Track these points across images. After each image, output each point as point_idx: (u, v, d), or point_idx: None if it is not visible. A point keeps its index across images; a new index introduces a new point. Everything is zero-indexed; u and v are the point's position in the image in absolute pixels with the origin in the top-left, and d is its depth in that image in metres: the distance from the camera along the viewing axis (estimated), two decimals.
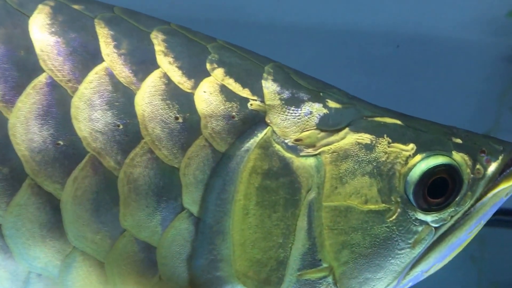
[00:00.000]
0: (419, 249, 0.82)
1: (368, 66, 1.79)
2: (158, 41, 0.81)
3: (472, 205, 0.83)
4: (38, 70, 0.77)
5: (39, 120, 0.76)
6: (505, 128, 1.85)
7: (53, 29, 0.78)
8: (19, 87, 0.76)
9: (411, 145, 0.81)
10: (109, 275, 0.79)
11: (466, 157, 0.82)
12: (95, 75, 0.78)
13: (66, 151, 0.77)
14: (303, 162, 0.80)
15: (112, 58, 0.78)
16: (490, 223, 1.86)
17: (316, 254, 0.81)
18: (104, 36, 0.79)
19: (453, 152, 0.82)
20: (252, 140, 0.79)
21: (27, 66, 0.77)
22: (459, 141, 0.83)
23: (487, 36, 1.80)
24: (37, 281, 0.79)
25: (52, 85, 0.77)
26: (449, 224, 0.82)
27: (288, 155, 0.80)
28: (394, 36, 1.78)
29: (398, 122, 0.83)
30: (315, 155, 0.80)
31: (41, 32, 0.78)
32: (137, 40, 0.80)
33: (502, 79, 1.83)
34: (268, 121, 0.80)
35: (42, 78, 0.77)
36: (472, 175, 0.82)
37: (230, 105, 0.79)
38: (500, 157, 0.83)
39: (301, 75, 0.85)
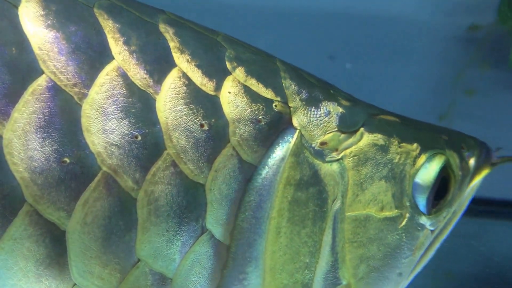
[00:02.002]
0: (418, 255, 0.80)
1: (319, 48, 1.78)
2: (170, 35, 0.72)
3: (458, 203, 0.82)
4: (36, 72, 0.66)
5: (40, 133, 0.65)
6: (460, 112, 1.81)
7: (49, 22, 0.67)
8: (13, 93, 0.65)
9: (415, 145, 0.78)
10: None
11: (455, 155, 0.80)
12: (107, 76, 0.68)
13: (74, 170, 0.66)
14: (329, 169, 0.75)
15: (124, 56, 0.69)
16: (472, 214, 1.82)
17: (338, 272, 0.76)
18: (111, 31, 0.69)
19: (446, 150, 0.80)
20: (285, 147, 0.73)
21: (21, 67, 0.65)
22: (446, 137, 0.81)
23: (441, 15, 1.78)
24: None
25: (55, 89, 0.66)
26: (441, 226, 0.81)
27: (316, 161, 0.75)
28: (345, 17, 1.78)
29: (398, 120, 0.80)
30: (339, 159, 0.76)
31: (36, 25, 0.67)
32: (146, 34, 0.71)
33: (457, 60, 1.80)
34: (296, 124, 0.74)
35: (42, 82, 0.65)
36: (460, 173, 0.80)
37: (256, 108, 0.73)
38: (476, 152, 0.82)
39: (300, 69, 0.82)
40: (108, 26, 0.69)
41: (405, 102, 1.77)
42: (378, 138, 0.77)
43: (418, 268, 0.82)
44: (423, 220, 0.78)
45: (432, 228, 0.79)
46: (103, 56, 0.68)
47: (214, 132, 0.70)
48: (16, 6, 0.67)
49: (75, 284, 0.68)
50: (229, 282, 0.72)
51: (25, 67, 0.65)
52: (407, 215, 0.77)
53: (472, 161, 0.81)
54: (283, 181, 0.72)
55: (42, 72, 0.66)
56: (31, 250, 0.66)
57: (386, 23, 1.77)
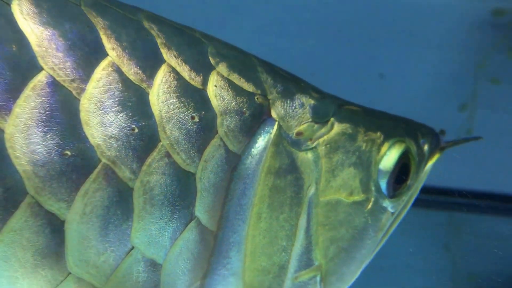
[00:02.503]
0: (380, 236, 0.85)
1: (337, 33, 1.73)
2: (155, 32, 0.75)
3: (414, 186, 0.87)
4: (36, 68, 0.68)
5: (41, 127, 0.67)
6: (483, 101, 1.75)
7: (43, 19, 0.69)
8: (14, 89, 0.67)
9: (379, 133, 0.83)
10: None
11: (412, 142, 0.86)
12: (103, 72, 0.70)
13: (74, 162, 0.68)
14: (305, 157, 0.80)
15: (117, 52, 0.72)
16: (465, 209, 1.76)
17: (311, 253, 0.81)
18: (102, 28, 0.72)
19: (406, 138, 0.85)
20: (267, 138, 0.78)
21: (21, 64, 0.67)
22: (404, 126, 0.86)
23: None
24: None
25: (54, 85, 0.68)
26: (400, 207, 0.86)
27: (293, 150, 0.79)
28: (365, 1, 1.72)
29: (361, 110, 0.85)
30: (313, 148, 0.80)
31: (32, 22, 0.69)
32: (134, 31, 0.74)
33: (480, 47, 1.73)
34: (275, 116, 0.79)
35: (42, 78, 0.68)
36: (417, 159, 0.86)
37: (240, 101, 0.77)
38: (429, 139, 0.88)
39: (272, 64, 0.85)
40: (99, 23, 0.72)
41: (425, 91, 1.72)
42: (347, 127, 0.82)
43: (378, 248, 0.87)
44: (386, 203, 0.83)
45: (393, 211, 0.84)
46: (98, 52, 0.71)
47: (204, 124, 0.74)
48: (8, 4, 0.69)
49: (70, 273, 0.70)
50: (215, 268, 0.76)
51: (25, 64, 0.67)
52: (373, 199, 0.82)
53: (426, 147, 0.87)
54: (265, 169, 0.76)
55: (42, 69, 0.68)
56: (30, 241, 0.67)
57: (407, 8, 1.71)
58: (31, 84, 0.67)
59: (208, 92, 0.75)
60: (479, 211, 1.77)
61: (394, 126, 0.85)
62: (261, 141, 0.77)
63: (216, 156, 0.75)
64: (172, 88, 0.73)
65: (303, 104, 0.80)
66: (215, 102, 0.75)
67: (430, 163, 0.89)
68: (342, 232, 0.81)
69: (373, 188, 0.82)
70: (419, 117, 1.54)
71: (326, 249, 0.81)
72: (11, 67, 0.66)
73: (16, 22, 0.68)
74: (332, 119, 0.82)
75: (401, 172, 0.85)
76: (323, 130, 0.81)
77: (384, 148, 0.83)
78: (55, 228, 0.68)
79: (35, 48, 0.68)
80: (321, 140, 0.80)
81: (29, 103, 0.67)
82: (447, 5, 1.71)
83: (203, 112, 0.74)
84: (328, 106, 0.82)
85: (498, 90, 1.73)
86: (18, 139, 0.66)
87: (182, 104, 0.73)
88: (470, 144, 1.75)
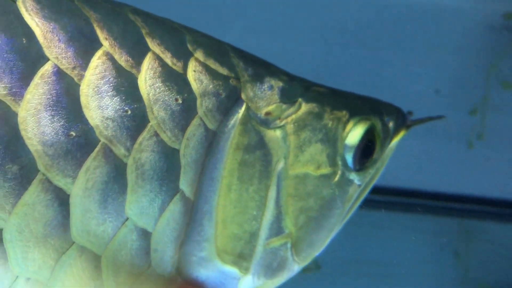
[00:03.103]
0: (348, 206, 0.91)
1: (348, 34, 1.74)
2: (140, 23, 0.82)
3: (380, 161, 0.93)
4: (43, 58, 0.75)
5: (49, 111, 0.74)
6: (494, 104, 1.74)
7: (45, 14, 0.76)
8: (25, 78, 0.74)
9: (344, 112, 0.89)
10: (104, 268, 0.79)
11: (378, 120, 0.91)
12: (98, 60, 0.77)
13: (79, 141, 0.76)
14: (273, 134, 0.85)
15: (109, 42, 0.79)
16: (476, 215, 1.76)
17: (281, 222, 0.86)
18: (95, 20, 0.79)
19: (371, 116, 0.90)
20: (235, 117, 0.84)
21: (31, 55, 0.75)
22: (370, 105, 0.92)
23: (473, 2, 1.72)
24: (24, 286, 0.77)
25: (59, 73, 0.75)
26: (367, 180, 0.91)
27: (261, 128, 0.85)
28: (374, 2, 1.73)
29: (328, 91, 0.91)
30: (281, 126, 0.86)
31: (36, 17, 0.76)
32: (123, 23, 0.81)
33: (491, 50, 1.73)
34: (244, 97, 0.84)
35: (48, 67, 0.75)
36: (382, 135, 0.91)
37: (217, 83, 0.83)
38: (394, 117, 0.93)
39: (244, 51, 0.91)
40: (92, 17, 0.79)
41: (436, 94, 1.73)
42: (314, 107, 0.88)
43: (347, 218, 0.93)
44: (353, 176, 0.89)
45: (359, 183, 0.90)
46: (94, 42, 0.78)
47: (186, 105, 0.80)
48: (14, 1, 0.76)
49: (74, 242, 0.76)
50: (190, 235, 0.82)
51: (34, 55, 0.74)
52: (339, 172, 0.88)
53: (391, 125, 0.92)
54: (233, 145, 0.83)
55: (48, 59, 0.74)
56: (41, 214, 0.74)
57: (416, 10, 1.72)
58: (39, 73, 0.74)
59: (188, 76, 0.82)
60: (490, 218, 1.78)
61: (360, 105, 0.91)
62: (231, 120, 0.83)
63: (197, 134, 0.81)
64: (157, 74, 0.80)
65: (272, 86, 0.86)
66: (194, 85, 0.82)
67: (395, 140, 0.94)
68: (311, 202, 0.87)
69: (339, 162, 0.88)
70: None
71: (296, 218, 0.87)
72: (23, 58, 0.74)
73: (23, 18, 0.75)
74: (300, 99, 0.87)
75: (367, 148, 0.90)
76: (291, 110, 0.86)
77: (349, 125, 0.88)
78: (62, 202, 0.75)
79: (40, 40, 0.75)
80: (289, 119, 0.86)
81: (38, 90, 0.74)
82: (459, 9, 1.71)
83: (185, 95, 0.81)
84: (296, 88, 0.88)
85: (509, 94, 1.73)
86: (29, 122, 0.73)
87: (166, 88, 0.80)
88: (482, 150, 1.76)
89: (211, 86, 0.83)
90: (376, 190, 1.49)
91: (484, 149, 1.76)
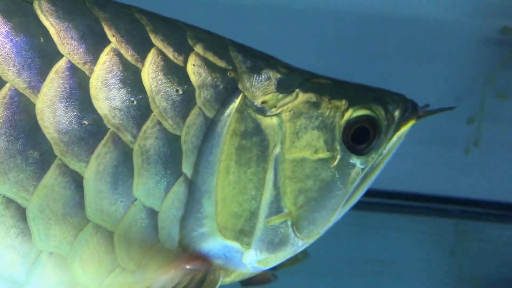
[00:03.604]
0: (350, 188, 0.95)
1: (346, 47, 1.79)
2: (145, 21, 0.89)
3: (385, 147, 0.97)
4: (58, 55, 0.82)
5: (64, 102, 0.82)
6: (491, 114, 1.79)
7: (59, 15, 0.84)
8: (42, 73, 0.82)
9: (344, 101, 0.94)
10: (116, 243, 0.86)
11: (380, 108, 0.96)
12: (107, 56, 0.84)
13: (91, 130, 0.83)
14: (269, 122, 0.91)
15: (116, 38, 0.86)
16: (471, 217, 1.81)
17: (280, 202, 0.91)
18: (103, 19, 0.86)
19: (372, 104, 0.95)
20: (232, 106, 0.89)
21: (47, 52, 0.82)
22: (373, 95, 0.97)
23: (472, 17, 1.76)
24: (47, 260, 0.84)
25: (72, 68, 0.83)
26: (370, 164, 0.96)
27: (258, 116, 0.90)
28: (374, 16, 1.77)
29: (329, 82, 0.96)
30: (277, 114, 0.91)
31: (51, 18, 0.84)
32: (129, 21, 0.88)
33: (488, 63, 1.78)
34: (241, 88, 0.90)
35: (62, 63, 0.82)
36: (385, 123, 0.96)
37: (215, 76, 0.89)
38: (400, 105, 0.98)
39: (249, 46, 0.97)
40: (101, 16, 0.86)
41: (435, 104, 1.75)
42: (311, 96, 0.93)
43: (354, 199, 0.98)
44: (353, 159, 0.94)
45: (362, 166, 0.95)
46: (103, 40, 0.85)
47: (186, 96, 0.87)
48: (31, 3, 0.84)
49: (90, 220, 0.84)
50: (190, 212, 0.88)
51: (50, 52, 0.83)
52: (338, 156, 0.93)
53: (396, 113, 0.97)
54: (230, 132, 0.89)
55: (62, 55, 0.83)
56: (59, 195, 0.83)
57: (416, 24, 1.76)
58: (54, 69, 0.82)
59: (187, 69, 0.88)
60: (485, 219, 1.83)
61: (361, 95, 0.96)
62: (227, 109, 0.89)
63: (197, 122, 0.87)
64: (159, 67, 0.87)
65: (270, 77, 0.92)
66: (193, 78, 0.88)
67: (404, 128, 0.98)
68: (310, 184, 0.92)
69: (338, 148, 0.93)
70: (429, 128, 1.59)
71: (295, 198, 0.92)
72: (40, 55, 0.82)
73: (39, 18, 0.83)
74: (297, 90, 0.93)
75: (366, 133, 0.96)
76: (287, 99, 0.92)
77: (348, 113, 0.94)
78: (78, 184, 0.83)
79: (55, 38, 0.83)
80: (285, 107, 0.92)
81: (53, 83, 0.82)
82: (458, 23, 1.76)
83: (185, 86, 0.87)
84: (294, 79, 0.94)
85: (505, 104, 1.78)
86: (46, 113, 0.81)
87: (168, 80, 0.87)
88: (479, 156, 1.80)
89: (209, 78, 0.88)
90: (378, 193, 1.59)
91: (480, 155, 1.80)
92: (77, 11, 0.86)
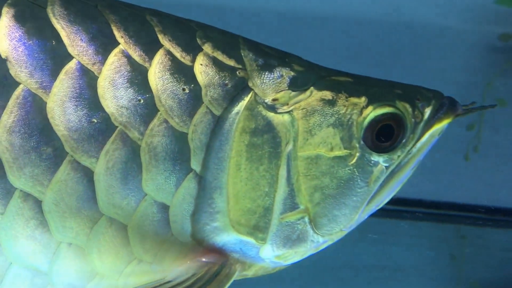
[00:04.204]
0: (374, 186, 0.93)
1: (347, 53, 1.80)
2: (155, 23, 0.91)
3: (414, 145, 0.95)
4: (69, 57, 0.85)
5: (73, 102, 0.85)
6: (490, 120, 1.81)
7: (71, 19, 0.87)
8: (53, 73, 0.85)
9: (363, 98, 0.92)
10: (131, 236, 0.88)
11: (407, 105, 0.94)
12: (115, 57, 0.87)
13: (100, 127, 0.85)
14: (281, 119, 0.91)
15: (125, 40, 0.88)
16: (471, 222, 1.83)
17: (295, 198, 0.91)
18: (113, 21, 0.88)
19: (396, 101, 0.93)
20: (240, 104, 0.90)
21: (58, 54, 0.85)
22: (399, 92, 0.95)
23: (470, 23, 1.78)
24: (67, 250, 0.87)
25: (82, 69, 0.85)
26: (396, 163, 0.94)
27: (268, 113, 0.90)
28: (374, 22, 1.79)
29: (350, 79, 0.95)
30: (289, 112, 0.91)
31: (62, 21, 0.87)
32: (139, 24, 0.90)
33: (487, 70, 1.79)
34: (251, 85, 0.90)
35: (72, 64, 0.85)
36: (413, 120, 0.93)
37: (223, 75, 0.90)
38: (432, 103, 0.95)
39: (265, 45, 0.98)
40: (111, 19, 0.89)
41: None
42: (326, 94, 0.92)
43: (382, 197, 0.95)
44: (375, 157, 0.92)
45: (386, 165, 0.92)
46: (112, 41, 0.88)
47: (193, 94, 0.88)
48: (44, 8, 0.87)
49: (104, 214, 0.87)
50: (201, 207, 0.89)
51: (61, 54, 0.86)
52: (357, 154, 0.91)
53: (427, 110, 0.94)
54: (239, 129, 0.89)
55: (71, 57, 0.86)
56: (73, 189, 0.86)
57: (415, 31, 1.77)
58: (64, 70, 0.85)
59: (194, 69, 0.89)
60: (484, 224, 1.84)
61: (385, 93, 0.94)
62: (236, 107, 0.90)
63: (204, 121, 0.88)
64: (166, 67, 0.88)
65: (282, 75, 0.92)
66: (199, 77, 0.89)
67: (437, 126, 0.95)
68: (326, 181, 0.91)
69: (357, 145, 0.91)
70: None
71: (310, 195, 0.91)
72: (51, 57, 0.85)
73: (51, 22, 0.86)
74: (311, 87, 0.92)
75: (390, 130, 0.92)
76: (300, 97, 0.91)
77: (367, 111, 0.92)
78: (90, 178, 0.86)
79: (65, 40, 0.86)
80: (297, 105, 0.91)
81: (63, 84, 0.85)
82: (457, 30, 1.77)
83: (192, 85, 0.88)
84: (308, 77, 0.93)
85: (504, 111, 1.79)
86: (56, 111, 0.85)
87: (174, 79, 0.88)
88: (478, 162, 1.81)
89: (216, 77, 0.89)
90: None
91: (480, 161, 1.82)
92: (88, 15, 0.89)
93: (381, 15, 1.77)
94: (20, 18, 0.86)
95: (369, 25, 1.78)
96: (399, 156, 0.93)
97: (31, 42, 0.86)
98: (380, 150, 0.92)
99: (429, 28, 1.77)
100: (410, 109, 0.93)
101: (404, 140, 0.93)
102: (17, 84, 0.85)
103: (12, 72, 0.85)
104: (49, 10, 0.87)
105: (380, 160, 0.92)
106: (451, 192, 1.85)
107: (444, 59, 1.80)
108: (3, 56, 0.85)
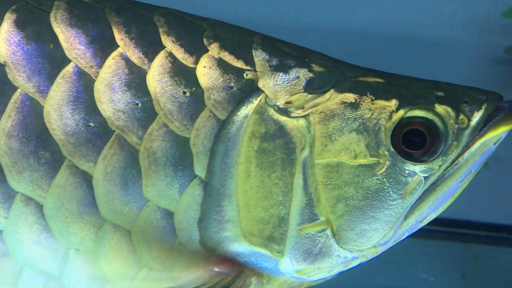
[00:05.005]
0: (410, 199, 0.86)
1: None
2: (160, 23, 0.88)
3: (460, 155, 0.86)
4: (66, 60, 0.85)
5: (70, 105, 0.84)
6: None
7: (72, 22, 0.86)
8: (50, 77, 0.84)
9: (394, 101, 0.86)
10: (135, 242, 0.86)
11: (449, 109, 0.86)
12: (113, 60, 0.85)
13: (97, 131, 0.84)
14: (295, 123, 0.85)
15: (125, 42, 0.86)
16: (482, 240, 1.79)
17: (314, 209, 0.85)
18: (115, 24, 0.87)
19: (435, 105, 0.86)
20: (249, 107, 0.85)
21: (56, 58, 0.85)
22: (441, 94, 0.87)
23: (479, 36, 1.74)
24: (75, 256, 0.86)
25: (79, 73, 0.84)
26: (438, 174, 0.86)
27: (281, 117, 0.85)
28: (383, 35, 1.76)
29: (380, 80, 0.88)
30: (305, 116, 0.86)
31: (62, 25, 0.86)
32: (144, 25, 0.88)
33: (494, 83, 1.74)
34: (261, 87, 0.86)
35: (69, 68, 0.84)
36: (456, 126, 0.85)
37: (228, 77, 0.86)
38: (483, 107, 0.87)
39: (287, 44, 0.92)
40: (114, 21, 0.87)
41: None
42: (348, 97, 0.86)
43: (425, 212, 0.87)
44: (410, 167, 0.85)
45: (424, 175, 0.85)
46: (112, 44, 0.86)
47: (194, 98, 0.85)
48: (48, 13, 0.87)
49: (106, 220, 0.85)
50: (208, 213, 0.86)
51: (59, 57, 0.85)
52: (387, 162, 0.85)
53: (476, 115, 0.86)
54: (248, 134, 0.85)
55: (69, 60, 0.85)
56: (72, 194, 0.84)
57: (421, 44, 1.74)
58: (61, 74, 0.84)
59: (197, 72, 0.86)
60: (496, 243, 1.81)
61: (422, 94, 0.87)
62: (243, 110, 0.86)
63: (207, 125, 0.85)
64: (166, 69, 0.86)
65: (298, 76, 0.87)
66: (202, 80, 0.86)
67: (491, 134, 0.86)
68: (350, 191, 0.85)
69: (386, 153, 0.85)
70: None
71: (332, 207, 0.85)
72: (49, 61, 0.84)
73: (52, 26, 0.86)
74: (331, 90, 0.87)
75: (422, 137, 0.86)
76: (318, 100, 0.86)
77: (398, 115, 0.85)
78: (89, 183, 0.85)
79: (63, 44, 0.85)
80: (314, 108, 0.86)
81: (60, 88, 0.84)
82: (464, 43, 1.74)
83: (194, 88, 0.86)
84: (329, 79, 0.87)
85: None
86: (53, 115, 0.84)
87: (174, 82, 0.85)
88: (489, 178, 1.78)
89: (220, 80, 0.86)
90: None
91: (491, 177, 1.76)
92: (92, 18, 0.87)
93: (386, 28, 1.74)
94: (21, 23, 0.86)
95: (373, 39, 1.75)
96: (440, 166, 0.86)
97: (29, 46, 0.85)
98: (414, 159, 0.85)
99: (436, 41, 1.74)
100: (453, 113, 0.86)
101: (444, 148, 0.86)
102: (15, 88, 0.84)
103: (10, 76, 0.84)
104: (52, 14, 0.87)
105: (416, 170, 0.85)
106: (462, 209, 1.80)
107: (451, 72, 1.75)
108: (1, 61, 0.84)
